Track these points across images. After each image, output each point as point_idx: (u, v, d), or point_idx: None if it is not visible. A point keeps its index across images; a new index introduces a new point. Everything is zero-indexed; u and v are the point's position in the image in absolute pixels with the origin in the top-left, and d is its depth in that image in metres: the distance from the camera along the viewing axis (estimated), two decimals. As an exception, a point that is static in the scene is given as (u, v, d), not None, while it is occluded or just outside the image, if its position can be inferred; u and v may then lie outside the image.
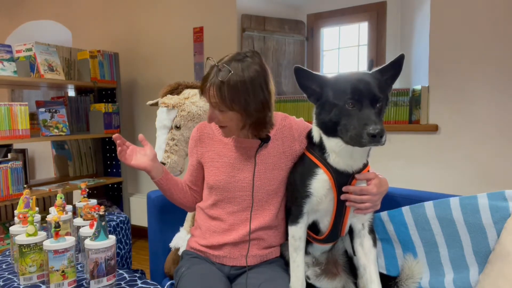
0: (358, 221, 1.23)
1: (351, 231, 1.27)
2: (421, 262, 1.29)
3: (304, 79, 1.15)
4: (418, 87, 2.28)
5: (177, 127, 1.64)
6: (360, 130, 1.02)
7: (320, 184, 1.17)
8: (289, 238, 1.24)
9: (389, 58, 2.74)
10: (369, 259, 1.20)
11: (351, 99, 1.05)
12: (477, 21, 2.11)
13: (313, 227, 1.26)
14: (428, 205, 1.26)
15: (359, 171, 1.16)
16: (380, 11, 2.76)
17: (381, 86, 1.09)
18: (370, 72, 1.13)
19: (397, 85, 2.69)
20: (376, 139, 1.00)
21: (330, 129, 1.13)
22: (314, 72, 1.15)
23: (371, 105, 1.05)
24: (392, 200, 1.41)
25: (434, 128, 2.23)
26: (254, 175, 1.28)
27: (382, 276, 1.31)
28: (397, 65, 1.13)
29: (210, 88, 1.16)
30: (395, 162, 2.37)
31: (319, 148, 1.19)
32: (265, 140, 1.29)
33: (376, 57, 2.81)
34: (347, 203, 1.17)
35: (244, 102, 1.15)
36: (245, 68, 1.14)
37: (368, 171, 1.21)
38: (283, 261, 1.36)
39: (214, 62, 1.18)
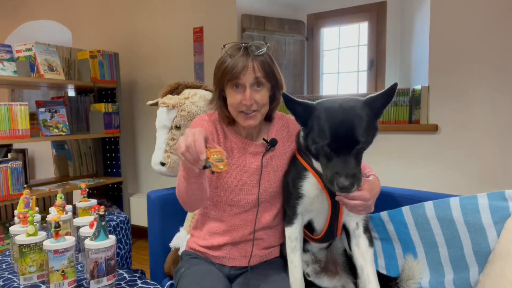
0: (352, 220, 1.22)
1: (348, 231, 1.27)
2: (421, 262, 1.29)
3: (291, 103, 1.13)
4: (418, 87, 2.28)
5: (177, 127, 1.64)
6: (332, 177, 1.03)
7: (310, 186, 1.18)
8: (286, 239, 1.25)
9: (389, 58, 2.75)
10: (366, 260, 1.20)
11: (329, 145, 1.04)
12: (477, 21, 2.11)
13: (309, 227, 1.26)
14: (428, 205, 1.26)
15: None
16: (380, 11, 2.76)
17: (368, 123, 1.05)
18: (363, 100, 1.08)
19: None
20: (345, 190, 1.02)
21: (313, 156, 1.16)
22: (299, 100, 1.12)
23: (349, 149, 1.03)
24: (392, 200, 1.41)
25: (434, 128, 2.23)
26: (260, 178, 1.28)
27: (383, 277, 1.31)
28: (390, 94, 1.08)
29: (250, 64, 1.19)
30: (395, 162, 2.37)
31: (307, 154, 1.21)
32: (272, 144, 1.29)
33: (376, 57, 2.81)
34: (341, 202, 1.18)
35: (278, 74, 1.26)
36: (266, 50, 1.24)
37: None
38: (283, 261, 1.36)
39: (241, 45, 1.22)
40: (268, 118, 1.33)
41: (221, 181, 1.30)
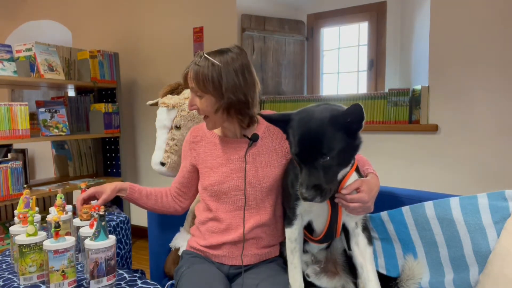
0: (351, 220, 1.23)
1: (346, 230, 1.27)
2: (421, 262, 1.29)
3: (269, 120, 1.18)
4: (418, 87, 2.28)
5: (177, 127, 1.64)
6: (299, 186, 1.06)
7: None
8: (286, 240, 1.25)
9: (389, 58, 2.75)
10: (365, 258, 1.20)
11: (297, 155, 1.06)
12: (477, 21, 2.11)
13: (309, 228, 1.27)
14: (428, 205, 1.26)
15: (345, 174, 1.16)
16: (380, 11, 2.76)
17: (340, 136, 1.03)
18: (332, 114, 1.03)
19: (397, 85, 2.70)
20: (308, 200, 1.04)
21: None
22: (275, 115, 1.16)
23: (314, 161, 1.03)
24: (392, 200, 1.41)
25: (434, 128, 2.23)
26: (245, 173, 1.30)
27: (383, 277, 1.31)
28: (351, 114, 1.01)
29: (188, 73, 1.27)
30: (395, 162, 2.37)
31: None
32: (253, 139, 1.31)
33: (376, 57, 2.81)
34: (339, 204, 1.17)
35: (217, 83, 1.22)
36: (223, 58, 1.24)
37: (357, 167, 1.21)
38: (282, 260, 1.36)
39: (197, 53, 1.28)
40: (250, 121, 1.32)
41: (209, 181, 1.33)
